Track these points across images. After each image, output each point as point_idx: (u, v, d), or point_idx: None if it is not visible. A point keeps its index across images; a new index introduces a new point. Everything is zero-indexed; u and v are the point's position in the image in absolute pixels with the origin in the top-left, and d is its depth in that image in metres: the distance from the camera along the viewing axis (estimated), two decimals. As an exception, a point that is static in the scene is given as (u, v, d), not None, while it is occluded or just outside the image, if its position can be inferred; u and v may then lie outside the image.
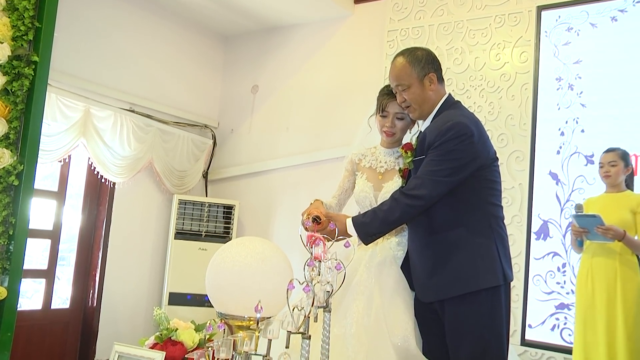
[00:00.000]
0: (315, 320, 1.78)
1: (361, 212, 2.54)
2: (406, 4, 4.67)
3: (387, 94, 2.46)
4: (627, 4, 3.82)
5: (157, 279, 5.00)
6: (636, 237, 3.25)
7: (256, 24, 5.43)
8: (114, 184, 4.67)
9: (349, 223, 2.22)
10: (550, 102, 4.01)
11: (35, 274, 4.37)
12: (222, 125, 5.66)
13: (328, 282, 1.82)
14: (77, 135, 4.27)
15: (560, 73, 4.00)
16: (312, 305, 1.71)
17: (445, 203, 2.20)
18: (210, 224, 5.06)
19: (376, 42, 4.85)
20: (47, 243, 4.40)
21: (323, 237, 2.04)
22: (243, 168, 5.44)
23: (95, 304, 4.58)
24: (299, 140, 5.17)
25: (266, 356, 1.72)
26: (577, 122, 3.91)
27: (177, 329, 2.11)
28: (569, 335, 3.72)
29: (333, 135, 4.92)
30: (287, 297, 1.76)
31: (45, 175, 4.43)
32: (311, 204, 2.41)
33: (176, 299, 4.81)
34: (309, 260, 1.85)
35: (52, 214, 4.42)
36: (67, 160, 4.32)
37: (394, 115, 2.46)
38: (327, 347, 1.82)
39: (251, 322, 1.80)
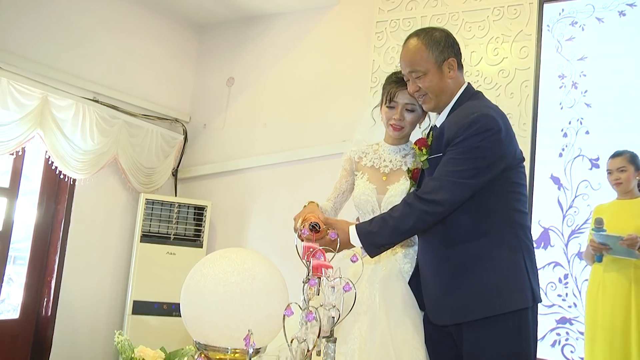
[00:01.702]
0: (318, 354, 1.43)
1: (360, 218, 2.21)
2: (397, -7, 4.37)
3: (395, 81, 2.13)
4: (636, -2, 3.59)
5: (120, 285, 4.58)
6: None
7: (233, 12, 5.07)
8: (74, 180, 4.24)
9: (352, 232, 1.87)
10: (552, 101, 3.75)
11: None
12: (194, 120, 5.29)
13: (334, 306, 1.47)
14: (33, 125, 3.84)
15: (564, 70, 3.74)
16: (318, 337, 1.35)
17: (465, 209, 1.87)
18: (179, 226, 4.68)
19: (363, 33, 4.52)
20: (-5, 245, 3.95)
21: (323, 249, 1.70)
22: (216, 166, 5.07)
23: (49, 314, 4.12)
24: (277, 137, 4.83)
25: (256, 400, 1.36)
26: (581, 123, 3.65)
27: (143, 360, 1.73)
28: (571, 352, 3.45)
29: (314, 133, 4.59)
30: (284, 326, 1.41)
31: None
32: (305, 207, 2.05)
33: (141, 308, 4.41)
34: (310, 280, 1.50)
35: (1, 213, 3.97)
36: (20, 153, 3.88)
37: (403, 107, 2.13)
38: (329, 384, 1.47)
39: (237, 356, 1.44)
